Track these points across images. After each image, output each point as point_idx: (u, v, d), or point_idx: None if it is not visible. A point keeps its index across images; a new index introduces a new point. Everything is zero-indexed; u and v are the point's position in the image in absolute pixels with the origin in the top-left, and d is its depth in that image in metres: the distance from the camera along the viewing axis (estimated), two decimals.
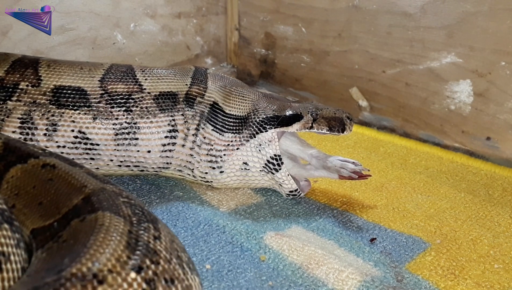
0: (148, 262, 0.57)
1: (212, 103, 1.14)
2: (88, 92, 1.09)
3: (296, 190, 1.12)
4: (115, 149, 1.11)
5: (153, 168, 1.16)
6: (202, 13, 1.94)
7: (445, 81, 1.43)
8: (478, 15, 1.33)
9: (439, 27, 1.41)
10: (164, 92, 1.14)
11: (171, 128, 1.13)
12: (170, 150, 1.14)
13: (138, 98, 1.12)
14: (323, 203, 1.13)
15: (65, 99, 1.09)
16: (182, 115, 1.14)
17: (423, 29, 1.45)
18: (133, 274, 0.54)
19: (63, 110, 1.08)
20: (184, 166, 1.16)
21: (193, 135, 1.14)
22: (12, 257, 0.59)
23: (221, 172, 1.12)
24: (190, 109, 1.14)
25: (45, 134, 1.08)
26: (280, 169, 1.10)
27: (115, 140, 1.10)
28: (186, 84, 1.16)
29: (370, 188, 1.21)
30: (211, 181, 1.15)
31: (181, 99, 1.14)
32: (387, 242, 0.99)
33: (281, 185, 1.12)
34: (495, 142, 1.36)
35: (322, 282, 0.86)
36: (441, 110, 1.45)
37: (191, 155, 1.14)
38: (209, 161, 1.12)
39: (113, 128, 1.10)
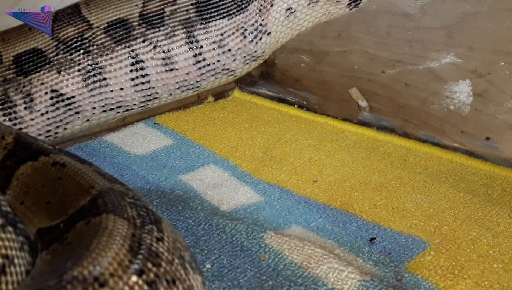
0: (149, 265, 0.57)
1: (195, 2, 1.04)
2: (43, 49, 1.06)
3: None
4: (90, 96, 1.07)
5: (135, 104, 1.10)
6: None
7: (445, 81, 1.43)
8: (477, 16, 1.33)
9: (438, 28, 1.41)
10: (111, 22, 1.06)
11: (132, 60, 1.05)
12: (143, 82, 1.07)
13: (91, 35, 1.06)
14: (323, 203, 1.14)
15: (27, 65, 1.05)
16: (144, 41, 1.05)
17: (423, 29, 1.45)
18: (134, 278, 0.54)
19: (29, 77, 1.05)
20: (201, 80, 1.07)
21: (193, 48, 1.03)
22: (15, 260, 0.60)
23: (268, 34, 1.04)
24: (158, 30, 1.05)
25: (25, 108, 1.05)
26: None
27: (86, 86, 1.06)
28: (137, 5, 1.06)
29: (369, 188, 1.21)
30: (263, 51, 1.07)
31: (136, 24, 1.05)
32: (386, 241, 0.99)
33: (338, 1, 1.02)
34: (494, 142, 1.37)
35: (322, 282, 0.86)
36: (440, 110, 1.46)
37: (201, 67, 1.05)
38: (253, 40, 1.03)
39: (80, 75, 1.05)
